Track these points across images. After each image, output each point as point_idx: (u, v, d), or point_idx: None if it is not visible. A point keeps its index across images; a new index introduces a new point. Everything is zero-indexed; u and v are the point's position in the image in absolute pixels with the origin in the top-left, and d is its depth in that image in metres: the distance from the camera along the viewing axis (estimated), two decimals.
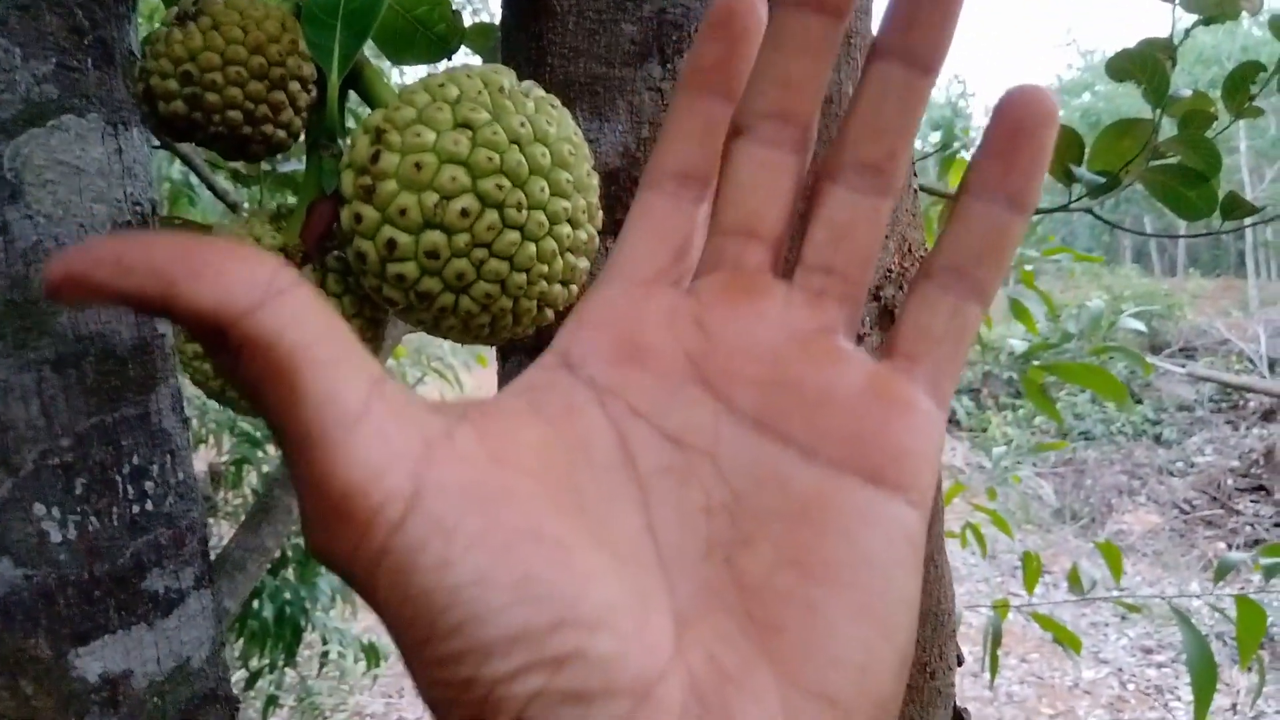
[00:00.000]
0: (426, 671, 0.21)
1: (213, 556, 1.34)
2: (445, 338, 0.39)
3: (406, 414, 0.22)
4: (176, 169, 2.27)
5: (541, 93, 0.37)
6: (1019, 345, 2.26)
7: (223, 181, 1.49)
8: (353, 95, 0.44)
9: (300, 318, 0.21)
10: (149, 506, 0.50)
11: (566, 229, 0.36)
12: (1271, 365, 8.53)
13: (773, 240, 0.26)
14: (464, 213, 0.34)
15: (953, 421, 8.05)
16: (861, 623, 0.22)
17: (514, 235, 0.35)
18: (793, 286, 0.25)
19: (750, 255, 0.26)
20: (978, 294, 0.25)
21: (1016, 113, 0.24)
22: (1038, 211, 1.41)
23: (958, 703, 0.73)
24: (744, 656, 0.22)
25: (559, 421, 0.24)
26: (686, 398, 0.24)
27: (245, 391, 0.21)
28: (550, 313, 0.38)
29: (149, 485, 0.50)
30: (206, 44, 0.39)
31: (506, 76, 0.37)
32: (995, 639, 1.96)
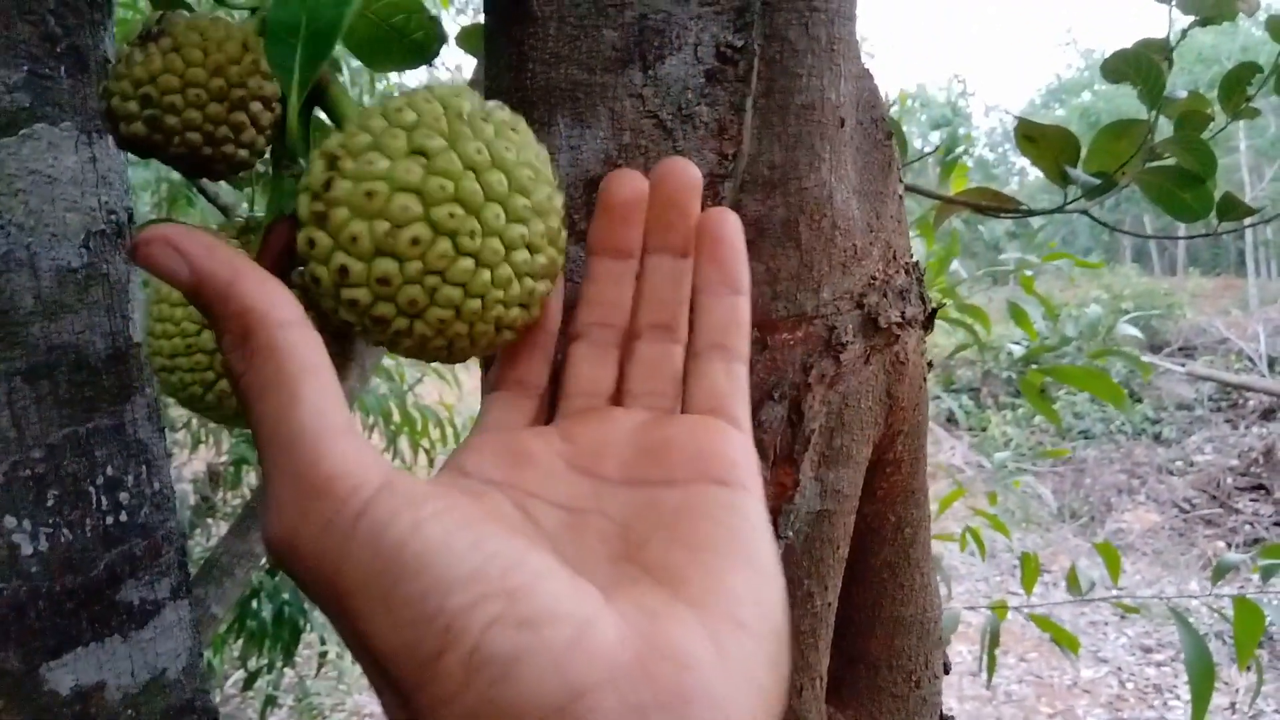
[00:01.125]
0: (393, 615, 0.24)
1: (209, 559, 1.35)
2: (405, 357, 0.38)
3: (374, 450, 0.28)
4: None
5: (505, 115, 0.37)
6: (1017, 349, 2.26)
7: (222, 184, 1.48)
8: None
9: (314, 349, 0.28)
10: (123, 517, 0.50)
11: (523, 254, 0.36)
12: (1271, 364, 8.51)
13: (608, 396, 0.37)
14: (415, 241, 0.33)
15: (951, 421, 8.05)
16: (746, 571, 0.28)
17: (468, 262, 0.34)
18: (628, 407, 0.36)
19: (592, 404, 0.37)
20: (738, 357, 0.36)
21: (715, 231, 0.37)
22: (1033, 213, 1.41)
23: (949, 709, 0.73)
24: (663, 600, 0.27)
25: (473, 498, 0.30)
26: (567, 481, 0.32)
27: (246, 389, 0.27)
28: (508, 334, 0.37)
29: (123, 496, 0.50)
30: (166, 66, 0.39)
31: (469, 99, 0.36)
32: (993, 640, 1.96)
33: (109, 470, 0.49)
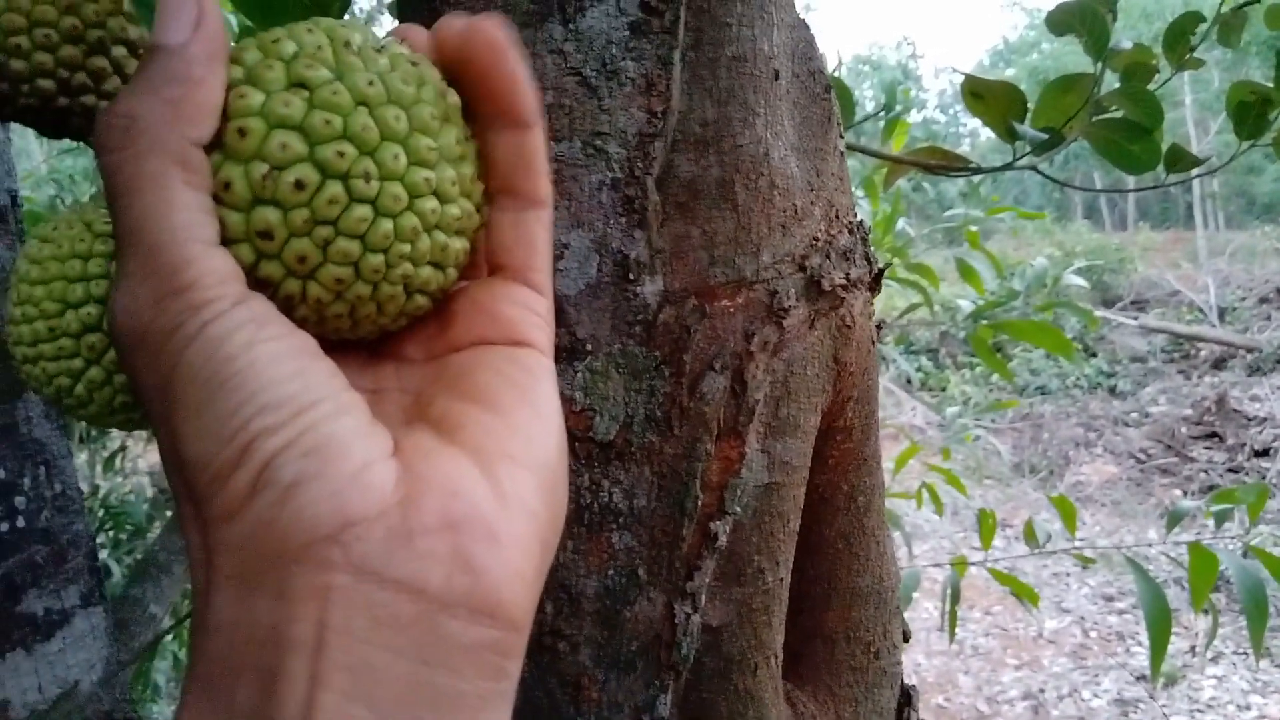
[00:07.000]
0: (203, 423, 0.26)
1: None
2: (305, 329, 0.35)
3: (238, 267, 0.29)
4: None
5: (403, 50, 0.33)
6: (968, 306, 2.26)
7: None
8: None
9: (202, 164, 0.28)
10: (20, 523, 0.46)
11: (431, 203, 0.31)
12: (1221, 314, 8.68)
13: None
14: (299, 185, 0.29)
15: (911, 382, 8.12)
16: (520, 410, 0.30)
17: (364, 210, 0.30)
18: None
19: None
20: (530, 203, 0.33)
21: (479, 60, 0.32)
22: (981, 171, 1.40)
23: (916, 665, 0.72)
24: (439, 443, 0.29)
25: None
26: (372, 367, 0.34)
27: (123, 181, 0.27)
28: (422, 299, 0.33)
29: (19, 500, 0.46)
30: (9, 4, 0.34)
31: (358, 31, 0.32)
32: (954, 597, 1.97)
33: (1, 473, 0.46)
